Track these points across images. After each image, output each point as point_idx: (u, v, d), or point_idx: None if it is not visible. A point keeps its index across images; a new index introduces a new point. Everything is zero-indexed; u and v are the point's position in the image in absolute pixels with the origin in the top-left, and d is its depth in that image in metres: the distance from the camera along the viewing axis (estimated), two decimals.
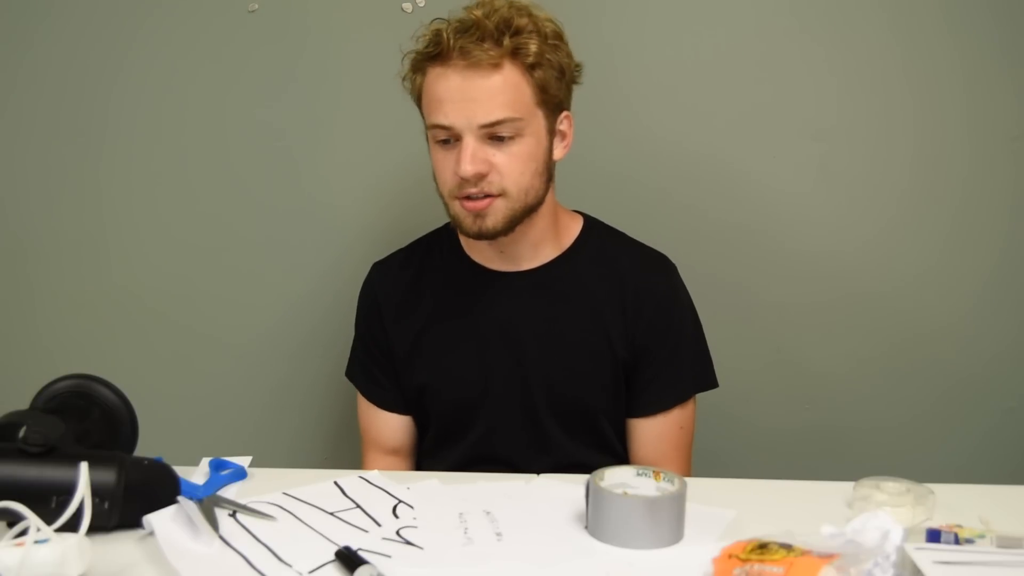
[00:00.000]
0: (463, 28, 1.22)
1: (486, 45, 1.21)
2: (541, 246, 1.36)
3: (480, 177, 1.24)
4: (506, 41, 1.22)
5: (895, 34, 1.65)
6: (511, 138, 1.24)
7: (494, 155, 1.24)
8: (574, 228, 1.40)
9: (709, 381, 1.41)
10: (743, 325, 1.74)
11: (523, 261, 1.36)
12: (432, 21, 1.26)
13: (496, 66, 1.22)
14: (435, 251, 1.43)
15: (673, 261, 1.41)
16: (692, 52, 1.68)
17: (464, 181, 1.24)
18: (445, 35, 1.22)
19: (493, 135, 1.23)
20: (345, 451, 1.73)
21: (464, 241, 1.40)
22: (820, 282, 1.73)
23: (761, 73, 1.67)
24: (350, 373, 1.48)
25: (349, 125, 1.73)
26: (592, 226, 1.42)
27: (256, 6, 1.69)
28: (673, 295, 1.39)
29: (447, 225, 1.44)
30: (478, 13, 1.23)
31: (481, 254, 1.38)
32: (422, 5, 1.66)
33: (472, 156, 1.22)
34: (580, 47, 1.32)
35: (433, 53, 1.24)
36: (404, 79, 1.31)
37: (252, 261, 1.77)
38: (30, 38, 1.72)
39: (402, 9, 1.67)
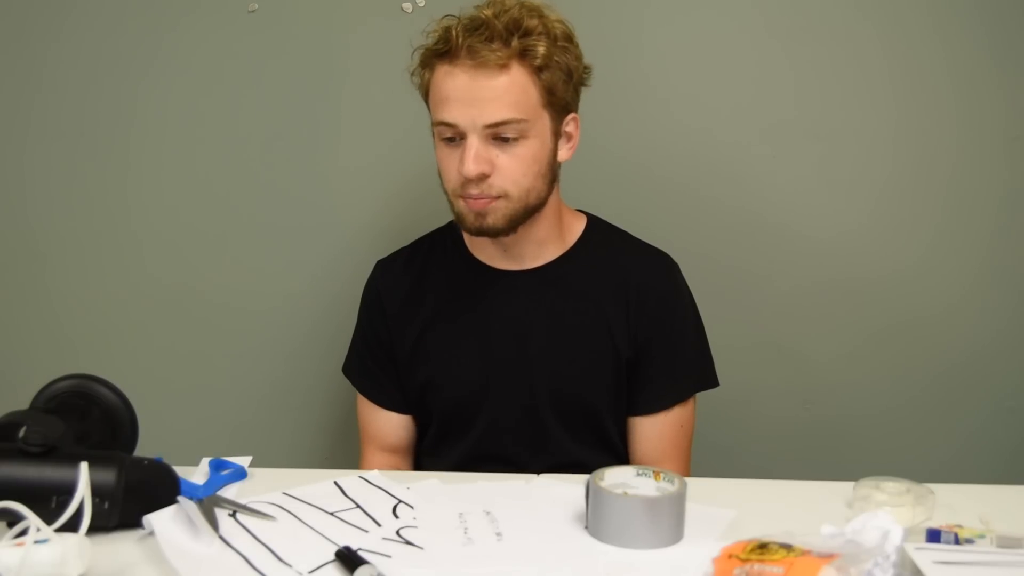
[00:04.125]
0: (472, 27, 1.22)
1: (494, 45, 1.21)
2: (545, 245, 1.37)
3: (482, 178, 1.24)
4: (515, 42, 1.22)
5: (896, 34, 1.65)
6: (515, 139, 1.24)
7: (497, 156, 1.24)
8: (577, 227, 1.40)
9: (710, 380, 1.41)
10: (744, 325, 1.74)
11: (527, 260, 1.37)
12: (443, 17, 1.26)
13: (503, 67, 1.22)
14: (439, 249, 1.43)
15: (675, 260, 1.41)
16: (692, 51, 1.68)
17: (467, 181, 1.24)
18: (454, 33, 1.22)
19: (497, 136, 1.23)
20: (345, 451, 1.73)
21: (468, 240, 1.40)
22: (822, 282, 1.73)
23: (761, 72, 1.67)
24: (347, 369, 1.48)
25: (349, 124, 1.73)
26: (595, 225, 1.42)
27: (256, 6, 1.69)
28: (675, 293, 1.39)
29: (451, 223, 1.44)
30: (488, 12, 1.23)
31: (485, 252, 1.38)
32: (422, 5, 1.66)
33: (475, 157, 1.22)
34: (584, 46, 1.32)
35: (442, 50, 1.24)
36: (412, 74, 1.30)
37: (252, 261, 1.77)
38: (31, 40, 1.71)
39: (402, 9, 1.67)
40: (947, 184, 1.69)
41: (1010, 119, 1.66)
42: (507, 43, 1.22)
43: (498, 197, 1.25)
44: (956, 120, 1.67)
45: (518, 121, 1.23)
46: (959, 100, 1.66)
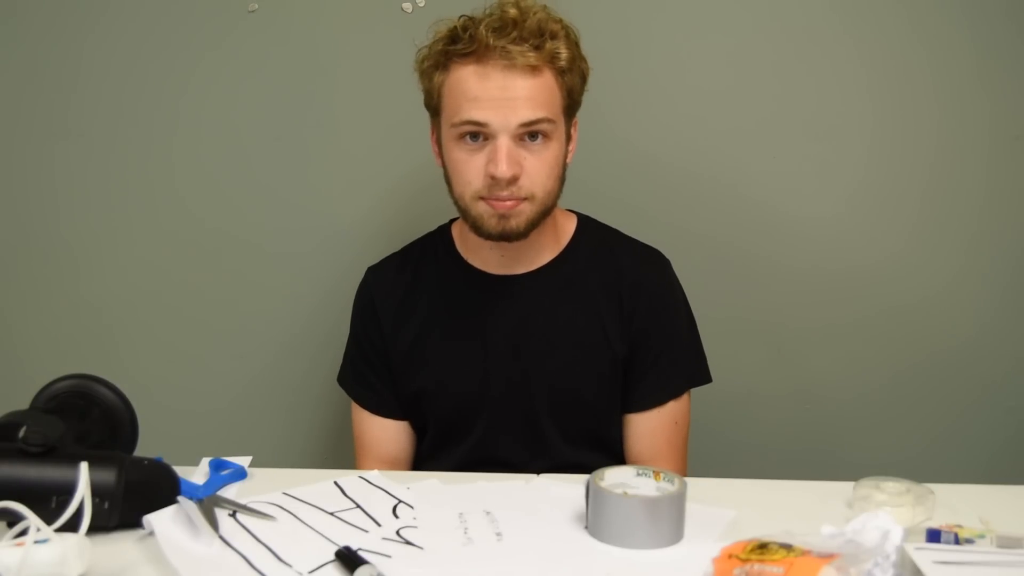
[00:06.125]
0: (500, 27, 1.21)
1: (526, 47, 1.20)
2: (543, 248, 1.36)
3: (514, 179, 1.23)
4: (547, 45, 1.22)
5: (892, 32, 1.65)
6: (541, 141, 1.24)
7: (525, 158, 1.24)
8: (569, 227, 1.40)
9: (703, 375, 1.41)
10: (744, 325, 1.74)
11: (523, 264, 1.36)
12: (459, 17, 1.24)
13: (536, 69, 1.22)
14: (430, 255, 1.42)
15: (673, 260, 1.41)
16: (691, 52, 1.68)
17: (495, 182, 1.23)
18: (483, 33, 1.20)
19: (526, 136, 1.23)
20: (345, 451, 1.72)
21: (461, 245, 1.39)
22: (821, 282, 1.73)
23: (760, 73, 1.67)
24: (342, 380, 1.47)
25: (349, 125, 1.72)
26: (586, 224, 1.42)
27: (256, 6, 1.69)
28: (668, 289, 1.39)
29: (441, 228, 1.44)
30: (514, 12, 1.22)
31: (479, 258, 1.37)
32: (422, 5, 1.66)
33: (508, 157, 1.21)
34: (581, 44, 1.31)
35: (465, 51, 1.22)
36: (421, 74, 1.29)
37: (251, 261, 1.77)
38: (29, 38, 1.71)
39: (402, 9, 1.67)
40: (959, 187, 1.69)
41: (1005, 115, 1.66)
42: (538, 46, 1.21)
43: (525, 199, 1.25)
44: (963, 121, 1.67)
45: (549, 120, 1.23)
46: (967, 101, 1.66)
